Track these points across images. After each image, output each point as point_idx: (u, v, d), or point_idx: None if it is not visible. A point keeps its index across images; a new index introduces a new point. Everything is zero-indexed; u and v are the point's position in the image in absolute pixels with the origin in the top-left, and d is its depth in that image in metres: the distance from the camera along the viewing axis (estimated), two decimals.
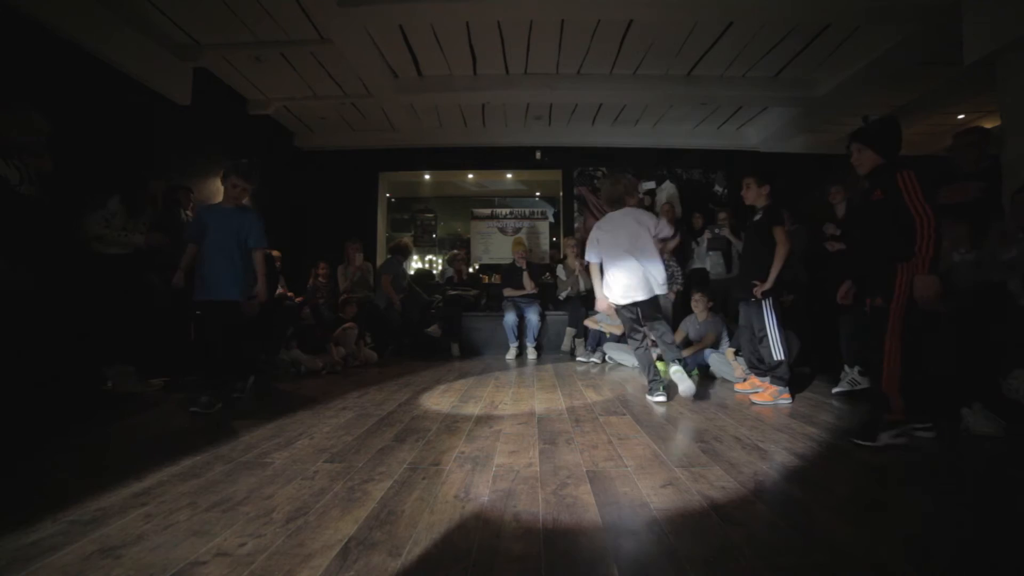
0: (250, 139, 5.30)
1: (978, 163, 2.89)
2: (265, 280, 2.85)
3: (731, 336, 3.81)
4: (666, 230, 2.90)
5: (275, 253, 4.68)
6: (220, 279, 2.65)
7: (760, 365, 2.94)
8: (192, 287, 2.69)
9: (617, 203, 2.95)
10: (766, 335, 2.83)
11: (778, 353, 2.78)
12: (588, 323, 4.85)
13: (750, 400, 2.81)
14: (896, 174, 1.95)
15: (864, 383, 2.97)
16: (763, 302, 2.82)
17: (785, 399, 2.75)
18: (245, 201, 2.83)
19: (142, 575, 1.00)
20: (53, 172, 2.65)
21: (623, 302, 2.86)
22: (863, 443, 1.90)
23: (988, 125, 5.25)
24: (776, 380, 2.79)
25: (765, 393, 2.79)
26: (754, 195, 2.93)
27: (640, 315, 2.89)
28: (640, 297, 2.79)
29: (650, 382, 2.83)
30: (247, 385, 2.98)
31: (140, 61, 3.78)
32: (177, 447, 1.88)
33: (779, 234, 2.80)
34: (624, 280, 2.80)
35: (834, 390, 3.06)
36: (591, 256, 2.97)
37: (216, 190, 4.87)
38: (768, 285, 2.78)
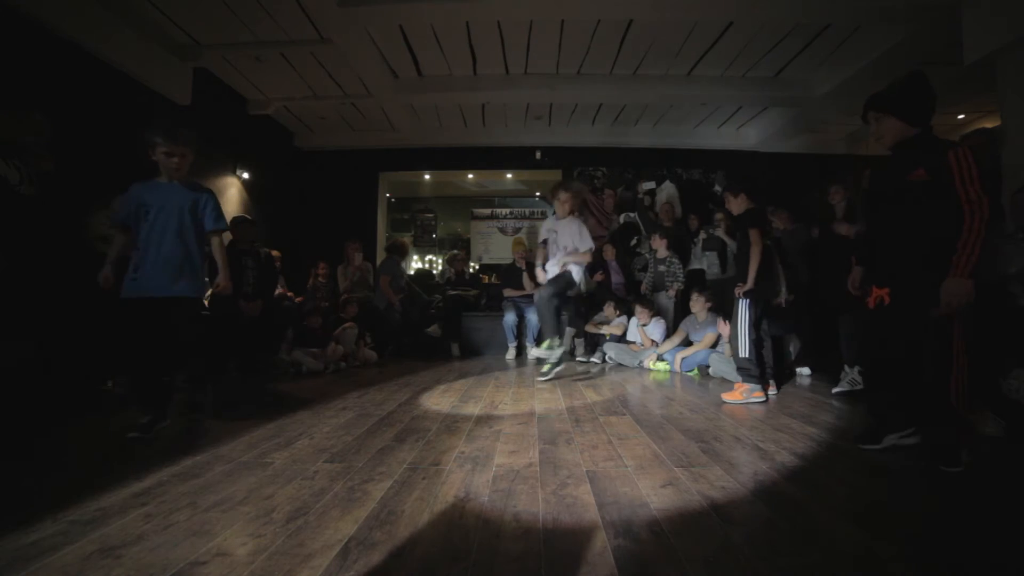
0: (250, 139, 5.30)
1: (984, 165, 2.89)
2: (227, 270, 2.33)
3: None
4: (588, 243, 3.55)
5: (275, 253, 4.68)
6: (164, 271, 2.14)
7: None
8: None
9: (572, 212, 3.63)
10: (736, 332, 2.89)
11: (744, 351, 2.83)
12: (589, 328, 4.85)
13: (721, 398, 2.80)
14: (950, 151, 1.64)
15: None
16: (740, 301, 2.89)
17: (757, 397, 2.74)
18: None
19: (142, 575, 1.00)
20: (54, 172, 2.65)
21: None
22: (952, 469, 1.64)
23: (988, 125, 5.26)
24: (747, 378, 2.81)
25: (736, 392, 2.79)
26: (736, 205, 3.06)
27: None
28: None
29: (550, 341, 3.43)
30: (161, 420, 2.13)
31: (140, 61, 3.78)
32: (177, 447, 1.88)
33: (753, 235, 2.88)
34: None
35: (834, 390, 3.06)
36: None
37: (215, 191, 4.88)
38: (748, 285, 2.85)
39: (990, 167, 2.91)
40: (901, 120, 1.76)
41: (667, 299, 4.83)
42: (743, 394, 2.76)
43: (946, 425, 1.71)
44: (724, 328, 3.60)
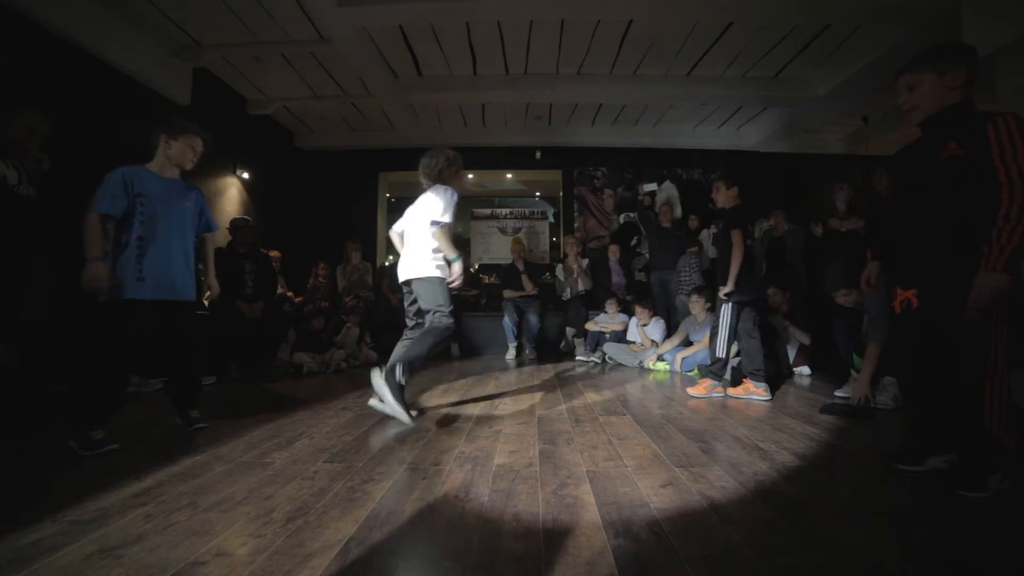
0: (250, 139, 5.30)
1: None
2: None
3: None
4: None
5: (274, 253, 4.68)
6: (173, 272, 2.11)
7: (744, 368, 3.00)
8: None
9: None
10: (717, 331, 2.95)
11: (720, 351, 2.93)
12: (589, 326, 4.85)
13: (688, 393, 2.97)
14: (989, 122, 1.37)
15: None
16: (724, 304, 2.92)
17: (719, 392, 2.92)
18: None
19: (142, 575, 1.00)
20: (52, 172, 2.64)
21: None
22: (974, 495, 1.44)
23: None
24: (712, 376, 2.96)
25: (700, 386, 2.96)
26: (724, 197, 2.97)
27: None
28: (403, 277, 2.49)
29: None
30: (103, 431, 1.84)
31: (140, 61, 3.78)
32: (177, 447, 1.88)
33: (735, 237, 2.81)
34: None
35: (837, 392, 3.05)
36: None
37: (215, 191, 4.88)
38: (728, 288, 2.83)
39: None
40: (941, 78, 1.47)
41: (681, 303, 4.87)
42: (707, 388, 2.93)
43: (976, 446, 1.50)
44: None
